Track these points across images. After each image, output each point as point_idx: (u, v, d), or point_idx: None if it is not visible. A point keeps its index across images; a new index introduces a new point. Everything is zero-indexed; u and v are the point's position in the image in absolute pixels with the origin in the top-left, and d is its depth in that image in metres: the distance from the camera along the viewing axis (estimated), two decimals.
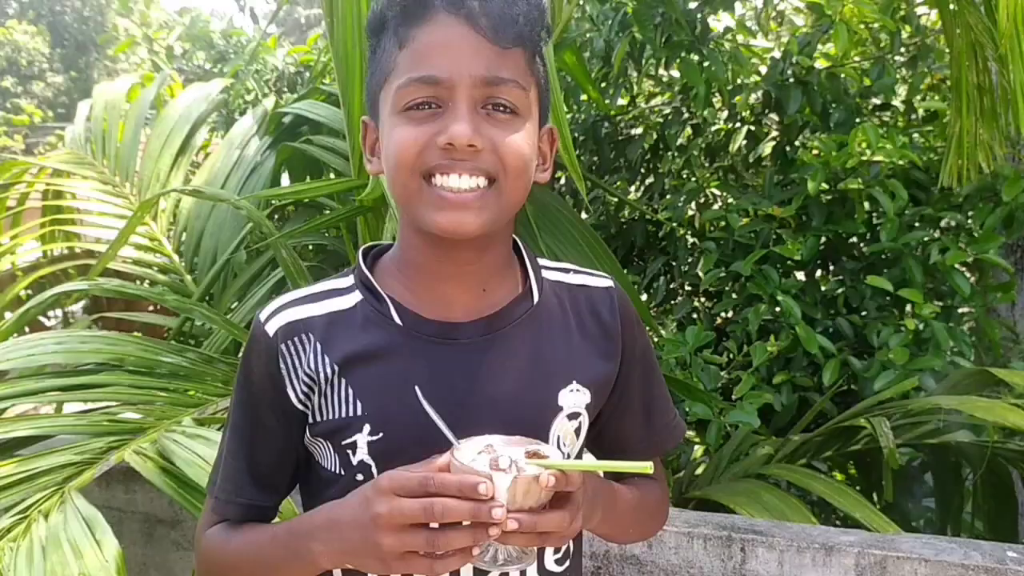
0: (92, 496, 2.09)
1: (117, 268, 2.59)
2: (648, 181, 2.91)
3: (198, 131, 2.95)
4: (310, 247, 2.76)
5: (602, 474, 0.92)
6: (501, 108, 0.78)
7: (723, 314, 2.46)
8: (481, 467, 0.69)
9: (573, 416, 0.87)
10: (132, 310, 2.75)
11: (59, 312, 3.18)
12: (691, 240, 2.61)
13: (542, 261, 0.93)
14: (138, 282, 2.70)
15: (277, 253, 1.98)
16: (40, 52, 20.30)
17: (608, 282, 0.93)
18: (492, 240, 0.83)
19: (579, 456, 0.91)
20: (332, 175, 2.78)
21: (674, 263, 2.61)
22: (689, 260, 2.58)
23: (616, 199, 2.79)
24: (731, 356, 2.28)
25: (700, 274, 2.39)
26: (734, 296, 2.36)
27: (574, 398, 0.86)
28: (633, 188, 2.97)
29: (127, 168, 2.89)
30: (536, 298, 0.88)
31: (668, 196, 2.66)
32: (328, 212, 2.49)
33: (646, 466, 0.69)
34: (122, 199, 2.81)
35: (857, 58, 2.62)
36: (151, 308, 2.93)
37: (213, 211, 2.63)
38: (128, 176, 2.89)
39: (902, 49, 2.55)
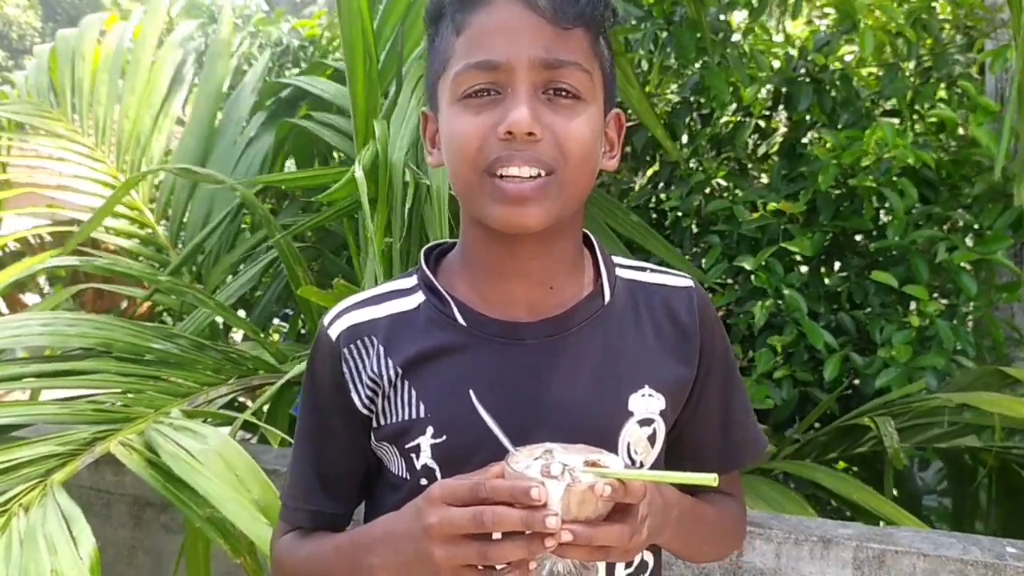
0: (81, 478, 2.05)
1: (96, 237, 2.48)
2: (654, 169, 2.87)
3: (179, 89, 2.78)
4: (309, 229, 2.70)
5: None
6: (563, 93, 0.75)
7: (725, 306, 2.43)
8: (533, 475, 0.65)
9: (645, 423, 0.82)
10: (117, 282, 2.67)
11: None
12: (696, 230, 2.57)
13: (617, 259, 0.89)
14: (120, 253, 2.60)
15: (276, 245, 1.93)
16: (32, 26, 19.98)
17: (688, 282, 0.89)
18: (557, 234, 0.80)
19: (655, 467, 0.86)
20: (334, 155, 2.71)
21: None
22: (694, 250, 2.54)
23: (624, 186, 2.74)
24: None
25: (703, 266, 2.36)
26: (736, 289, 2.33)
27: (646, 403, 0.82)
28: (637, 177, 2.93)
29: (102, 127, 2.69)
30: (607, 297, 0.84)
31: (674, 186, 2.62)
32: (324, 202, 2.42)
33: (710, 478, 0.64)
34: (97, 162, 2.65)
35: (872, 64, 2.59)
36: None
37: (201, 183, 2.54)
38: (103, 135, 2.71)
39: (918, 59, 2.52)
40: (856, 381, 2.26)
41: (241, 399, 2.23)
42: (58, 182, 2.70)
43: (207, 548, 1.27)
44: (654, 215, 2.70)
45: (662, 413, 0.83)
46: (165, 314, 2.77)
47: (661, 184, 2.73)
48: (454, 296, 0.82)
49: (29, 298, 3.53)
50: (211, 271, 2.42)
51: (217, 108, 2.76)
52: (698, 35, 2.29)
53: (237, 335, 2.83)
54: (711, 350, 0.88)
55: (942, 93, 2.51)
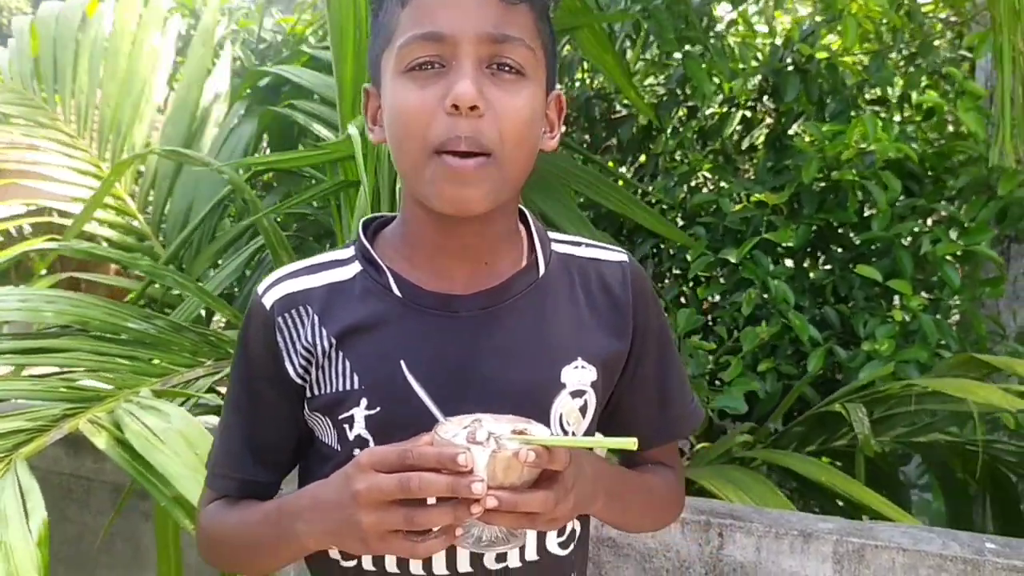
0: (60, 464, 2.04)
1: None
2: (640, 161, 2.86)
3: (158, 71, 2.73)
4: (290, 215, 2.68)
5: (606, 455, 0.89)
6: (507, 68, 0.75)
7: (710, 298, 2.43)
8: (460, 442, 0.66)
9: (577, 394, 0.83)
10: (95, 271, 2.63)
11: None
12: (681, 223, 2.57)
13: (552, 234, 0.90)
14: (102, 243, 2.56)
15: (260, 225, 1.91)
16: (22, 11, 19.81)
17: (622, 256, 0.90)
18: (497, 213, 0.80)
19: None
20: (317, 144, 2.68)
21: (663, 245, 2.58)
22: (678, 243, 2.54)
23: (611, 177, 2.74)
24: (720, 341, 2.24)
25: (688, 258, 2.36)
26: (722, 281, 2.33)
27: (578, 375, 0.83)
28: (623, 168, 2.93)
29: (84, 115, 2.66)
30: (542, 271, 0.85)
31: (659, 178, 2.62)
32: (312, 181, 2.41)
33: (630, 442, 0.66)
34: (80, 151, 2.62)
35: (858, 51, 2.59)
36: (114, 270, 2.81)
37: (183, 171, 2.52)
38: (84, 122, 2.67)
39: (903, 46, 2.52)
40: (839, 375, 2.26)
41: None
42: (39, 171, 2.66)
43: (176, 529, 1.26)
44: None
45: (593, 385, 0.84)
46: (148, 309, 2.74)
47: (647, 176, 2.72)
48: (390, 267, 0.83)
49: None
50: (193, 262, 2.39)
51: (199, 97, 2.74)
52: (682, 26, 2.29)
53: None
54: (645, 324, 0.88)
55: (932, 89, 2.52)
